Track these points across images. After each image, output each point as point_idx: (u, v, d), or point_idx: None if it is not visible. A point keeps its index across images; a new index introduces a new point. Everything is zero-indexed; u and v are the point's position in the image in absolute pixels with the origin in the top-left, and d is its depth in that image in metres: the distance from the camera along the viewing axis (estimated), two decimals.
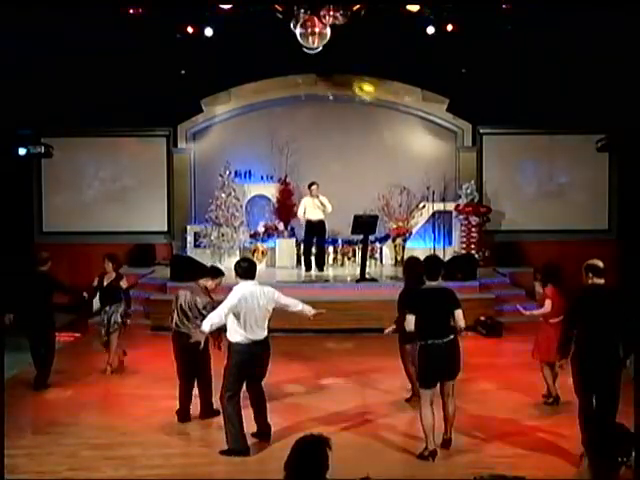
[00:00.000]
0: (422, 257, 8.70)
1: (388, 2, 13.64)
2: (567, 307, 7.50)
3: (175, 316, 8.38)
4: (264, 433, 7.57)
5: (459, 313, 7.11)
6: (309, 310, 7.65)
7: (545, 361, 8.66)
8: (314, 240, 14.88)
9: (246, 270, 7.34)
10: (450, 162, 16.52)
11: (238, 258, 15.21)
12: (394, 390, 9.29)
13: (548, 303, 8.60)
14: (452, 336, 7.14)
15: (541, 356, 8.70)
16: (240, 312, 7.14)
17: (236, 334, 7.23)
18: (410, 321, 7.10)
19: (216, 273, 8.42)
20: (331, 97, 16.00)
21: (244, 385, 7.46)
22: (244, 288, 7.26)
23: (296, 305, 7.56)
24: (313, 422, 7.99)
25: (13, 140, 13.49)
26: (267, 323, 7.38)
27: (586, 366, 6.84)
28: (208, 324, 7.24)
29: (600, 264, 6.99)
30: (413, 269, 8.66)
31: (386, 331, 8.78)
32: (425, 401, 7.15)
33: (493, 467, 6.67)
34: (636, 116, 12.59)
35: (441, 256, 11.67)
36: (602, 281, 6.95)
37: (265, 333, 7.35)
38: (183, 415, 8.26)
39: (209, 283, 8.29)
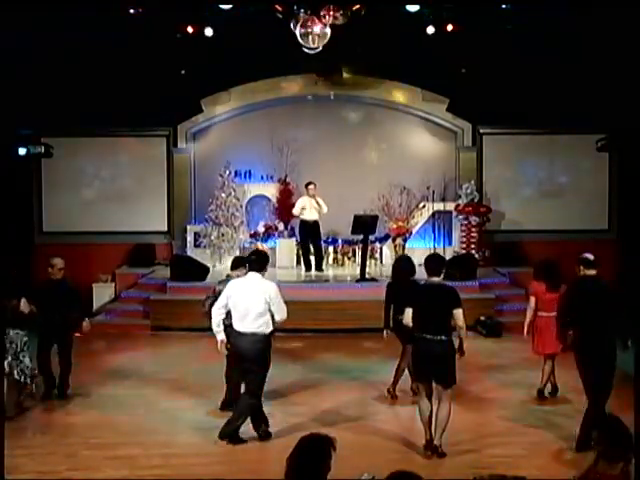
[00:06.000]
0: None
1: (388, 2, 13.65)
2: (561, 298, 7.91)
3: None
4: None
5: (458, 313, 7.10)
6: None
7: (541, 354, 8.96)
8: (309, 240, 14.85)
9: (251, 262, 7.73)
10: (450, 162, 16.51)
11: None
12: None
13: (531, 300, 9.02)
14: (445, 337, 7.08)
15: (536, 349, 9.00)
16: (230, 302, 7.54)
17: (232, 321, 7.58)
18: (407, 314, 7.24)
19: (244, 263, 8.48)
20: (332, 96, 16.02)
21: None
22: (240, 280, 7.71)
23: (279, 322, 7.60)
24: (312, 422, 8.00)
25: (13, 140, 13.49)
26: (263, 317, 7.42)
27: (584, 352, 7.31)
28: (214, 321, 7.62)
29: (590, 256, 7.61)
30: (398, 268, 8.92)
31: (385, 335, 8.90)
32: (420, 394, 7.33)
33: (493, 467, 6.67)
34: (636, 116, 12.58)
35: None
36: (593, 272, 7.52)
37: (255, 327, 7.41)
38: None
39: (243, 272, 8.40)
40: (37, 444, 7.62)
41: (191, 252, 15.35)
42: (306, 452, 4.06)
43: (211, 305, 8.19)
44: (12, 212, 14.04)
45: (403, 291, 8.20)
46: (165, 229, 16.35)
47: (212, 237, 15.27)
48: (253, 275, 7.60)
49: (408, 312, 7.23)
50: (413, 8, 13.52)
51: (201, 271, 13.86)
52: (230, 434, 7.50)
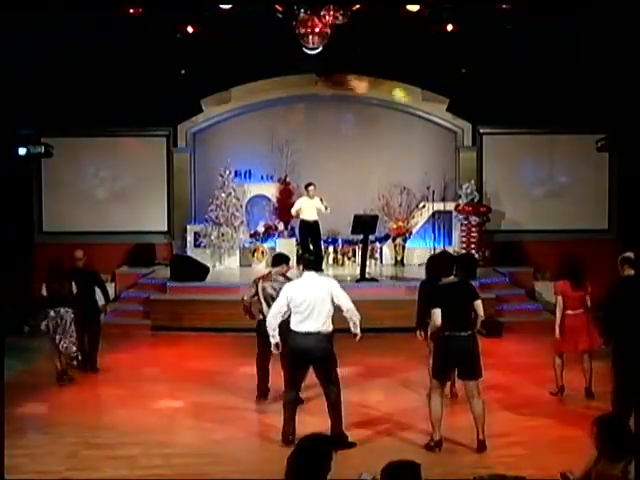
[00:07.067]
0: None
1: (388, 2, 13.65)
2: (606, 297, 7.87)
3: (264, 307, 8.54)
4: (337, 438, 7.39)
5: (478, 303, 7.31)
6: (354, 328, 7.50)
7: (557, 351, 9.00)
8: (309, 240, 14.83)
9: (307, 262, 7.68)
10: (450, 162, 16.50)
11: (238, 258, 15.47)
12: (394, 390, 9.30)
13: (558, 300, 8.98)
14: (471, 332, 7.26)
15: (565, 348, 8.96)
16: (292, 305, 7.39)
17: (292, 323, 7.47)
18: (436, 314, 7.20)
19: (287, 259, 8.86)
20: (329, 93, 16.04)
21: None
22: (298, 281, 7.62)
23: (347, 311, 7.43)
24: (314, 422, 7.98)
25: (13, 140, 13.49)
26: (326, 316, 7.36)
27: (623, 352, 7.28)
28: (271, 326, 7.49)
29: (632, 255, 7.63)
30: (434, 267, 8.76)
31: (418, 335, 8.69)
32: (434, 392, 7.34)
33: (493, 467, 6.67)
34: (636, 116, 12.59)
35: None
36: (632, 272, 7.55)
37: (319, 325, 7.34)
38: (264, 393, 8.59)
39: (285, 269, 8.70)
40: (37, 444, 7.61)
41: (191, 252, 15.35)
42: (306, 452, 4.07)
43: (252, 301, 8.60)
44: (12, 212, 14.04)
45: (428, 289, 8.24)
46: (165, 229, 16.35)
47: (212, 237, 15.27)
48: (310, 274, 7.55)
49: (436, 312, 7.19)
50: (413, 8, 13.53)
51: (201, 271, 13.87)
52: (340, 433, 7.43)
